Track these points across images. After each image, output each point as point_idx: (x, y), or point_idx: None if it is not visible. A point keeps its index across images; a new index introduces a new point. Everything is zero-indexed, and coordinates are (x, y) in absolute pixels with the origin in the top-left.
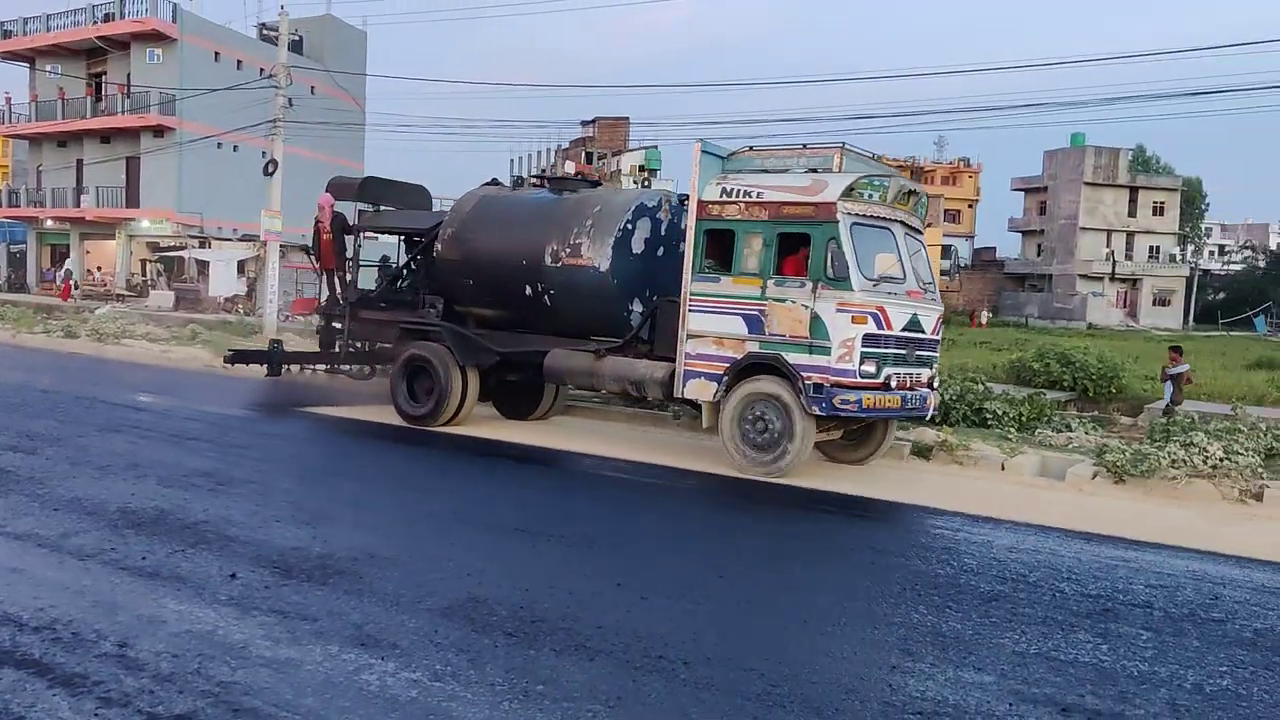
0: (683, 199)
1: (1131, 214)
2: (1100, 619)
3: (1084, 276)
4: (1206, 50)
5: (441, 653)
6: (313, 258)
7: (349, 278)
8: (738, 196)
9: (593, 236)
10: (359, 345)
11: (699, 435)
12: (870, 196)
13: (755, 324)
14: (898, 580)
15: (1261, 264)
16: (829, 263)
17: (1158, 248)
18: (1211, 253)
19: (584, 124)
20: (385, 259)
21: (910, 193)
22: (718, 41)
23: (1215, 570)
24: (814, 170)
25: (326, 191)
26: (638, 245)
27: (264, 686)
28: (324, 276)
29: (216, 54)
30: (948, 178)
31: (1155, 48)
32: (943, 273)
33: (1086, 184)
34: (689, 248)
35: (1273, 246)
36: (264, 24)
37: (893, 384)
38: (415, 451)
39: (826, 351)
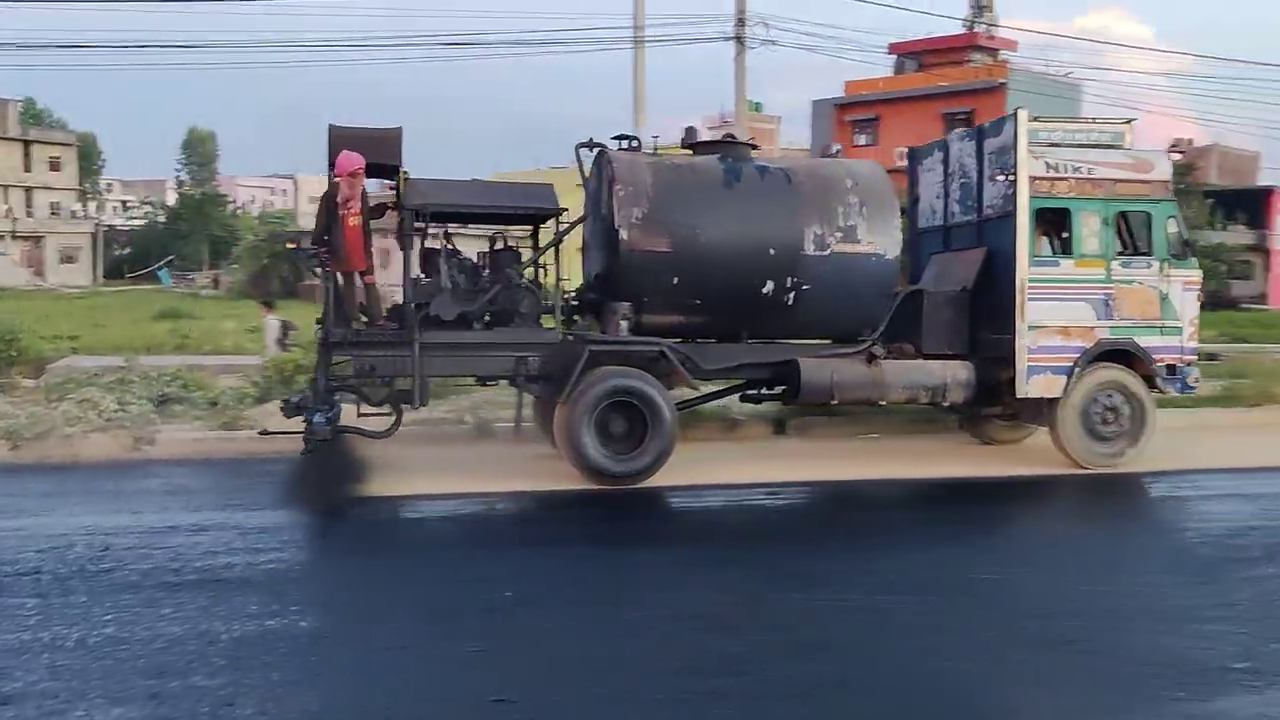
0: None
1: (28, 169)
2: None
3: None
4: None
5: None
6: (312, 255)
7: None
8: (1067, 172)
9: (869, 217)
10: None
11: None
12: None
13: (1104, 309)
14: None
15: (162, 219)
16: (1170, 241)
17: (59, 204)
18: (115, 208)
19: None
20: None
21: None
22: None
23: (108, 523)
24: (1098, 146)
25: (345, 150)
26: None
27: None
28: (343, 283)
29: None
30: None
31: None
32: None
33: None
34: (1022, 228)
35: (170, 202)
36: None
37: None
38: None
39: (1178, 332)
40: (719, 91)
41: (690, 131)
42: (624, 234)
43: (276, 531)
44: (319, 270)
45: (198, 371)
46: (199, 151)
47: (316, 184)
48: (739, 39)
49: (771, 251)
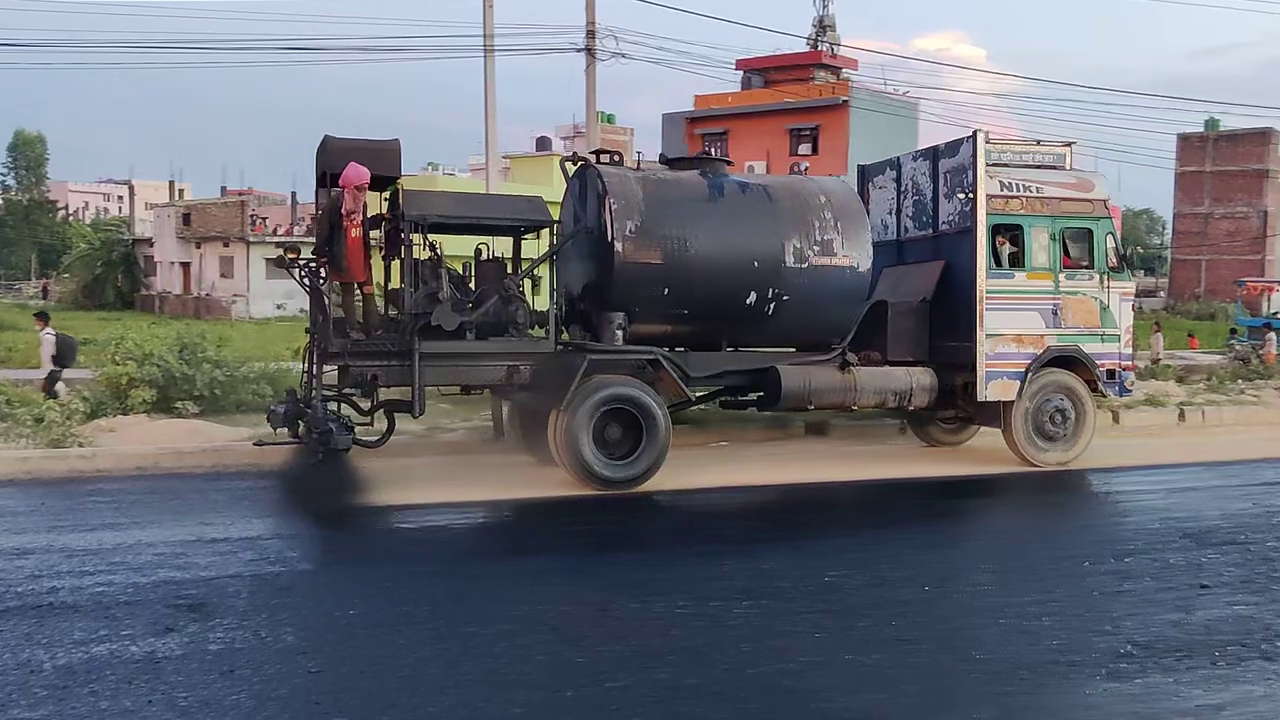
0: None
1: None
2: None
3: None
4: None
5: None
6: (307, 269)
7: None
8: (1018, 191)
9: (843, 231)
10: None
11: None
12: None
13: (1052, 318)
14: None
15: None
16: (1109, 255)
17: None
18: None
19: None
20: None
21: None
22: None
23: None
24: (1042, 166)
25: (354, 163)
26: None
27: None
28: (341, 294)
29: None
30: None
31: None
32: None
33: None
34: (980, 243)
35: None
36: None
37: None
38: None
39: (1116, 339)
40: (573, 102)
41: (543, 141)
42: (619, 246)
43: (106, 554)
44: (311, 282)
45: (22, 386)
46: (27, 155)
47: (153, 190)
48: (589, 50)
49: (755, 264)
